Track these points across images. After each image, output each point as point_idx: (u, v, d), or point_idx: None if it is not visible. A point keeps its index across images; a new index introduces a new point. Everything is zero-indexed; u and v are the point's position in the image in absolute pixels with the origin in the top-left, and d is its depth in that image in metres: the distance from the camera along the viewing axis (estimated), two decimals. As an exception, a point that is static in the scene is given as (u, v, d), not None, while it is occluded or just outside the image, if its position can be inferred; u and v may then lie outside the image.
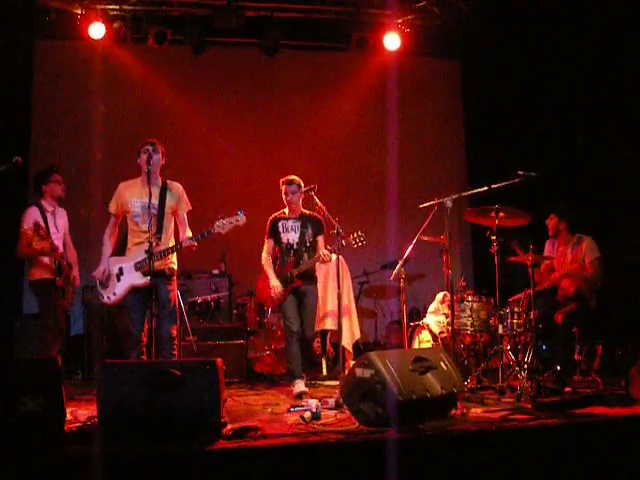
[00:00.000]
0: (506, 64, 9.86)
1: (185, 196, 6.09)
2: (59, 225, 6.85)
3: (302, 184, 6.67)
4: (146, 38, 9.54)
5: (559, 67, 9.23)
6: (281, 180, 6.72)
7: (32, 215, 6.66)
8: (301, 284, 6.63)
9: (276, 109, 10.62)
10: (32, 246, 6.53)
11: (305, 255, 6.66)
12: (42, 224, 6.60)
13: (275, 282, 6.66)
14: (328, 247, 6.48)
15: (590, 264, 6.74)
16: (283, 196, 6.71)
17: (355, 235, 6.30)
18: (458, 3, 9.54)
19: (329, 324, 7.84)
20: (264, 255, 6.85)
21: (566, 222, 6.93)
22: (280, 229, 6.75)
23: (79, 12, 9.22)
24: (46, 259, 6.63)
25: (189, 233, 5.99)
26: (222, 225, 5.75)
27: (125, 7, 9.38)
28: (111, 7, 9.37)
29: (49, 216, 6.77)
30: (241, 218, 5.79)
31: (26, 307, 8.88)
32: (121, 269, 5.88)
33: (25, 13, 9.08)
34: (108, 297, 5.96)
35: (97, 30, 9.21)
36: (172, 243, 6.00)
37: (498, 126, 9.99)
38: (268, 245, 6.86)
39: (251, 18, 9.56)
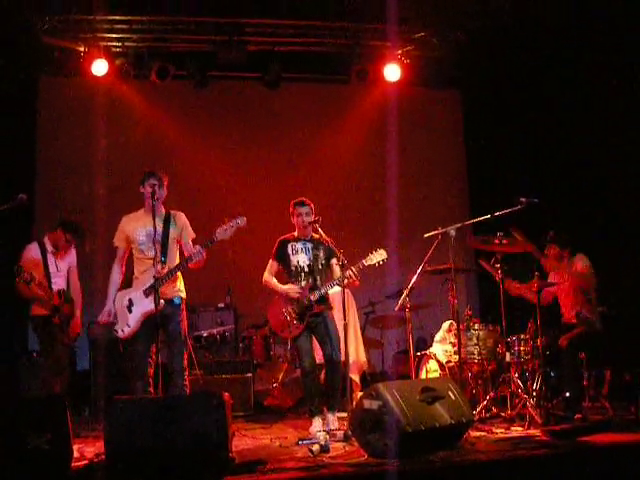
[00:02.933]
0: (506, 93, 9.93)
1: (188, 225, 6.06)
2: (60, 263, 6.87)
3: (312, 205, 6.43)
4: (148, 74, 9.63)
5: (559, 95, 9.28)
6: (291, 202, 6.46)
7: (29, 253, 6.70)
8: (322, 309, 6.27)
9: (278, 141, 10.68)
10: (31, 287, 6.52)
11: (318, 278, 6.31)
12: (31, 264, 6.60)
13: (286, 286, 6.31)
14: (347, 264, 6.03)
15: (581, 271, 6.74)
16: (294, 219, 6.41)
17: (375, 253, 6.11)
18: (457, 33, 9.62)
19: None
20: (266, 274, 6.47)
21: (569, 248, 6.95)
22: (289, 251, 6.41)
23: (82, 49, 9.33)
24: (42, 294, 6.64)
25: None
26: (223, 232, 5.64)
27: (127, 44, 9.48)
28: (113, 44, 9.47)
29: (49, 255, 6.80)
30: (241, 220, 5.66)
31: (31, 343, 8.85)
32: (130, 300, 5.81)
33: (30, 50, 9.19)
34: (122, 330, 5.83)
35: (100, 67, 9.30)
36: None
37: (499, 154, 10.04)
38: (272, 267, 6.48)
39: (252, 52, 9.66)
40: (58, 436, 4.43)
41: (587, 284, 6.78)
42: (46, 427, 4.41)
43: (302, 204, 6.42)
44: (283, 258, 6.46)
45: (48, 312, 6.65)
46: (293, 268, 6.40)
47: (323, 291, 6.25)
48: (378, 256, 6.12)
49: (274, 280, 6.46)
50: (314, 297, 6.23)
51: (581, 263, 6.81)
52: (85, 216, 8.92)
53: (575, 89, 8.98)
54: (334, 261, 6.31)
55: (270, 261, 6.52)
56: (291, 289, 6.31)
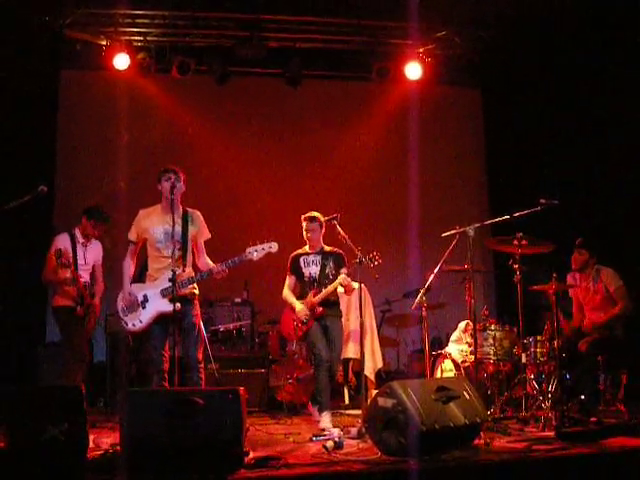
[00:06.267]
0: (527, 92, 9.87)
1: (205, 225, 6.11)
2: (88, 257, 6.91)
3: (323, 221, 6.61)
4: (170, 68, 9.67)
5: (582, 93, 9.20)
6: (302, 216, 6.68)
7: (60, 242, 6.75)
8: (324, 312, 6.48)
9: (298, 138, 10.69)
10: (57, 273, 6.59)
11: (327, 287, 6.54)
12: (67, 251, 6.65)
13: (299, 306, 6.52)
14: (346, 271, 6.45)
15: (615, 292, 6.74)
16: (304, 232, 6.66)
17: (370, 256, 6.22)
18: (479, 32, 9.59)
19: (351, 353, 7.81)
20: (285, 290, 6.76)
21: (596, 257, 6.94)
22: (302, 264, 6.68)
23: (104, 43, 9.39)
24: (68, 287, 6.68)
25: (208, 260, 6.01)
26: (254, 252, 5.75)
27: (149, 38, 9.53)
28: (135, 38, 9.53)
29: (79, 246, 6.85)
30: (274, 245, 5.81)
31: (49, 334, 8.92)
32: (145, 296, 5.81)
33: (52, 44, 9.25)
34: (133, 324, 5.85)
35: (122, 61, 9.35)
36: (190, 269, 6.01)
37: (519, 154, 9.98)
38: (290, 281, 6.78)
39: (273, 48, 9.68)
40: (75, 426, 4.45)
41: (621, 301, 6.77)
42: (63, 417, 4.44)
43: (311, 220, 6.66)
44: (297, 271, 6.73)
45: (72, 303, 6.70)
46: (306, 279, 6.68)
47: (323, 294, 6.45)
48: (372, 258, 6.21)
49: (291, 297, 6.71)
50: (316, 300, 6.46)
51: (611, 282, 6.81)
52: (105, 210, 8.96)
53: (600, 88, 8.88)
54: (343, 271, 6.55)
55: (287, 277, 6.81)
56: (300, 311, 6.53)
